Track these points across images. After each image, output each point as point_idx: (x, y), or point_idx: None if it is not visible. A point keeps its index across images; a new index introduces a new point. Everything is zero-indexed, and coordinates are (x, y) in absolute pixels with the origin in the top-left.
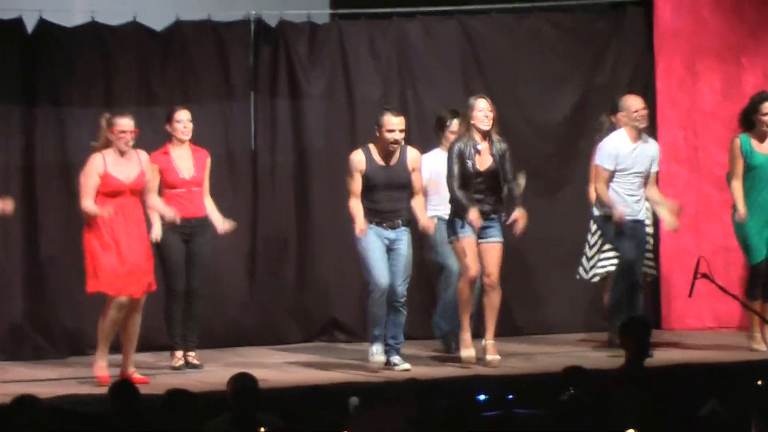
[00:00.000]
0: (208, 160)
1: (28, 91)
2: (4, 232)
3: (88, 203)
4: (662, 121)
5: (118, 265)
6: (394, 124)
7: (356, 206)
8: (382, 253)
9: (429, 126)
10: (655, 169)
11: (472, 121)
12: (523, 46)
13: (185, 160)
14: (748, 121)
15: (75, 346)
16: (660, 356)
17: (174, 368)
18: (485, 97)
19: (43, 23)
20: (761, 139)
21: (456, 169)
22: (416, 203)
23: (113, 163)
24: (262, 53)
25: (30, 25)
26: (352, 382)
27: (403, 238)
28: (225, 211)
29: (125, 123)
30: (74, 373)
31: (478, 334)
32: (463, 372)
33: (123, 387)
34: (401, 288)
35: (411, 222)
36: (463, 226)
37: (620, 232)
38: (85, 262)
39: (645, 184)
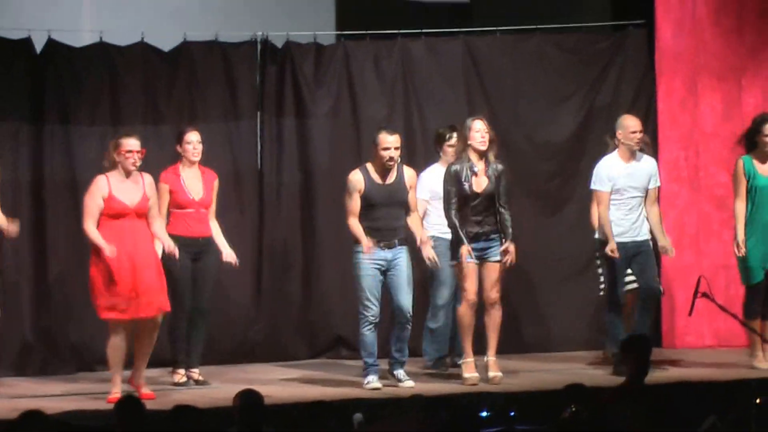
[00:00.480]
0: (216, 182)
1: (36, 109)
2: (14, 248)
3: (90, 226)
4: (663, 140)
5: (126, 289)
6: (389, 142)
7: (356, 225)
8: (375, 283)
9: (433, 144)
10: (653, 185)
11: (468, 141)
12: (526, 67)
13: (194, 180)
14: (750, 143)
15: (82, 361)
16: (660, 374)
17: (176, 384)
18: (482, 118)
19: (51, 43)
20: (763, 161)
21: (452, 192)
22: (412, 220)
23: (118, 186)
24: (269, 73)
25: (38, 45)
26: (356, 398)
27: (400, 256)
28: (231, 229)
29: (132, 143)
30: (81, 389)
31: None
32: (465, 389)
33: (129, 403)
34: (405, 304)
35: (408, 240)
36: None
37: (613, 266)
38: (90, 288)
39: (645, 202)
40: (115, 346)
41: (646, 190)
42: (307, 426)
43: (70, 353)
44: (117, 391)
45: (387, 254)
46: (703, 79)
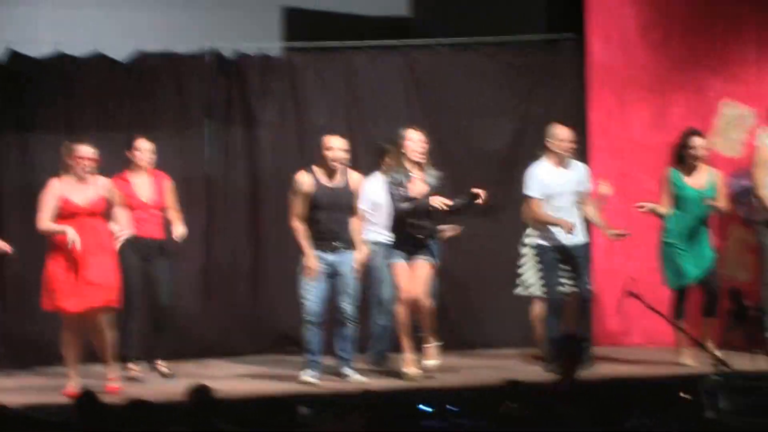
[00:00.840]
0: (168, 183)
1: None
2: None
3: (44, 222)
4: (594, 149)
5: (75, 282)
6: (333, 143)
7: (301, 232)
8: (318, 285)
9: (375, 153)
10: (584, 188)
11: (403, 151)
12: (463, 79)
13: (144, 184)
14: (678, 156)
15: (41, 356)
16: (591, 371)
17: (130, 378)
18: (418, 128)
19: (12, 54)
20: (690, 173)
21: (396, 195)
22: (354, 224)
23: (71, 188)
24: (218, 83)
25: None
26: (301, 393)
27: (345, 260)
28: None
29: (85, 150)
30: (41, 383)
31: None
32: (409, 385)
33: (86, 397)
34: (347, 306)
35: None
36: (396, 253)
37: (552, 265)
38: (42, 282)
39: (577, 206)
40: (67, 341)
41: (579, 194)
42: (255, 419)
43: (28, 349)
44: (72, 384)
45: (332, 257)
46: (631, 91)
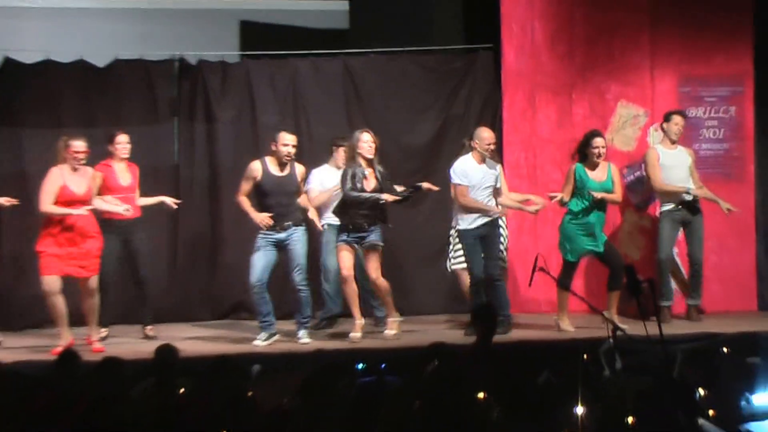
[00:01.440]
0: (138, 172)
1: None
2: None
3: (47, 206)
4: (507, 144)
5: (63, 254)
6: (288, 139)
7: (245, 202)
8: (264, 256)
9: (318, 147)
10: (500, 184)
11: (358, 151)
12: (393, 82)
13: (123, 172)
14: (582, 154)
15: (31, 320)
16: (504, 335)
17: (102, 339)
18: (369, 131)
19: (6, 60)
20: (593, 168)
21: (349, 185)
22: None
23: (69, 178)
24: (184, 86)
25: None
26: (254, 353)
27: (293, 236)
28: (152, 213)
29: (79, 145)
30: (31, 343)
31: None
32: (346, 345)
33: (67, 355)
34: (296, 276)
35: (303, 222)
36: (342, 235)
37: (474, 246)
38: (38, 254)
39: (495, 197)
40: (51, 304)
41: (494, 188)
42: (213, 375)
43: (21, 313)
44: (60, 344)
45: (281, 235)
46: (540, 94)
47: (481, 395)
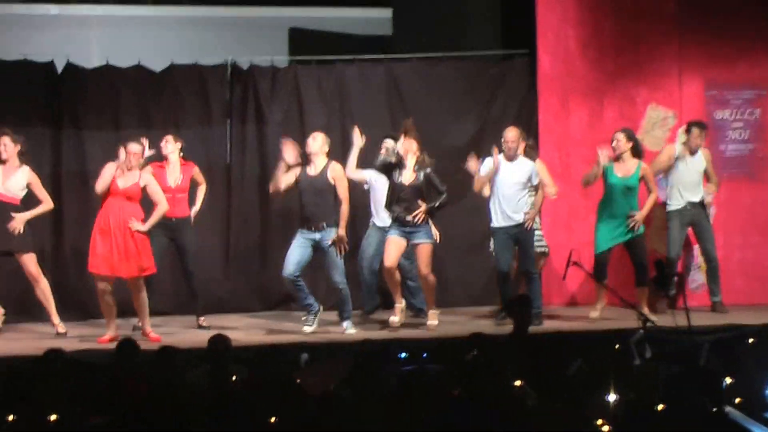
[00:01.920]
0: (195, 169)
1: (56, 117)
2: (39, 223)
3: (100, 186)
4: (542, 145)
5: (110, 250)
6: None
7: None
8: (298, 251)
9: (363, 147)
10: (534, 182)
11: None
12: (434, 86)
13: (174, 172)
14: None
15: (93, 310)
16: (539, 326)
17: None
18: (397, 135)
19: (69, 65)
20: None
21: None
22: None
23: (119, 174)
24: (236, 90)
25: (59, 67)
26: (302, 342)
27: (326, 237)
28: (206, 210)
29: (133, 147)
30: (92, 332)
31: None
32: (389, 335)
33: (126, 344)
34: (335, 276)
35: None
36: (392, 229)
37: (502, 242)
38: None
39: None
40: (100, 297)
41: (528, 184)
42: (263, 363)
43: (81, 305)
44: (109, 334)
45: (316, 235)
46: (573, 98)
47: (517, 383)
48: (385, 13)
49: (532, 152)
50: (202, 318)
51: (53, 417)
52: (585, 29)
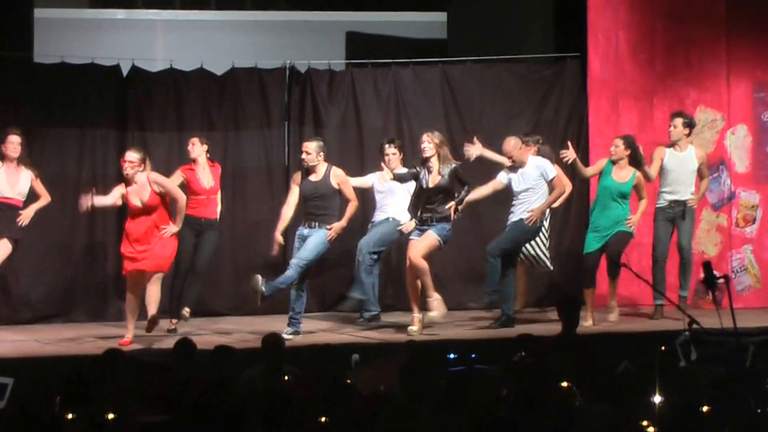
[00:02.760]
0: (219, 173)
1: (121, 119)
2: (103, 222)
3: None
4: (592, 146)
5: (130, 251)
6: (303, 146)
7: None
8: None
9: (418, 149)
10: (549, 177)
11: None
12: (488, 89)
13: (205, 174)
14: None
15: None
16: (586, 327)
17: (169, 331)
18: (428, 131)
19: (134, 69)
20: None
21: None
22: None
23: (130, 192)
24: (294, 92)
25: (125, 70)
26: (354, 343)
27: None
28: (264, 211)
29: (129, 155)
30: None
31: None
32: (440, 336)
33: (184, 343)
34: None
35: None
36: (414, 231)
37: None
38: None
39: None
40: (127, 298)
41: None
42: (316, 363)
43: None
44: (128, 336)
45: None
46: (623, 100)
47: (564, 384)
48: (440, 17)
49: (545, 149)
50: (187, 309)
51: (110, 416)
52: (635, 32)
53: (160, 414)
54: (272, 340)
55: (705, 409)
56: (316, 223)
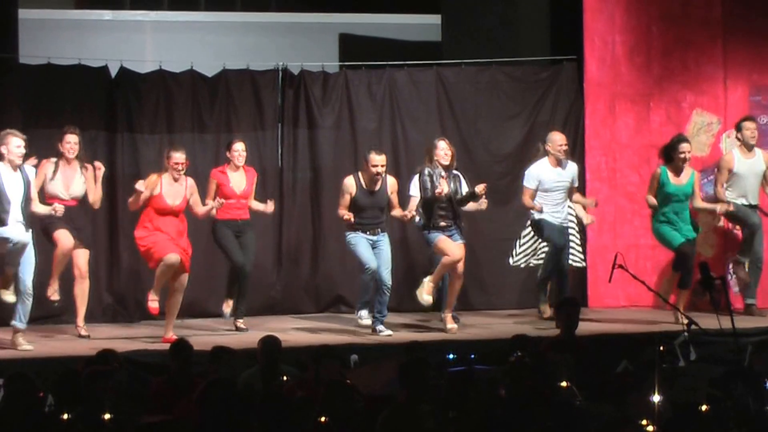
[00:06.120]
0: (256, 178)
1: (110, 120)
2: (93, 224)
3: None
4: (589, 149)
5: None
6: (377, 161)
7: (343, 212)
8: (367, 246)
9: (413, 152)
10: (575, 184)
11: (435, 158)
12: (483, 91)
13: (238, 178)
14: (667, 156)
15: (143, 313)
16: (585, 327)
17: (239, 329)
18: (445, 139)
19: (123, 70)
20: (677, 173)
21: (429, 184)
22: (394, 213)
23: (167, 188)
24: (287, 94)
25: (113, 71)
26: (352, 343)
27: (382, 239)
28: (258, 213)
29: (178, 156)
30: (143, 333)
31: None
32: (436, 336)
33: (180, 344)
34: (386, 275)
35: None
36: (433, 232)
37: (543, 229)
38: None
39: (569, 197)
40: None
41: (571, 187)
42: (314, 364)
43: (134, 306)
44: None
45: (371, 237)
46: (620, 103)
47: (563, 383)
48: (434, 19)
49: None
50: (240, 321)
51: (107, 416)
52: (631, 35)
53: (156, 415)
54: (269, 341)
55: (704, 408)
56: (379, 230)
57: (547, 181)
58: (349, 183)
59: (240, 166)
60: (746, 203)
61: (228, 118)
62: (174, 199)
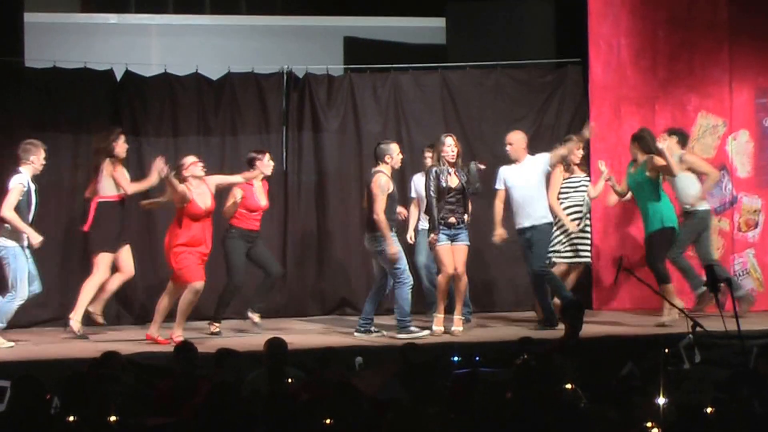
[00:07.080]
0: (267, 188)
1: (114, 123)
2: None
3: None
4: (594, 152)
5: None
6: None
7: (385, 221)
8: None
9: (418, 154)
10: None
11: (442, 154)
12: (488, 94)
13: (260, 190)
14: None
15: (147, 316)
16: (590, 330)
17: (212, 334)
18: (452, 135)
19: (128, 73)
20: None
21: (433, 186)
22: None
23: (195, 193)
24: (292, 97)
25: (118, 75)
26: (357, 346)
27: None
28: (264, 217)
29: (190, 159)
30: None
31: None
32: (442, 338)
33: (185, 346)
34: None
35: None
36: (441, 235)
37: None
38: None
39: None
40: (168, 299)
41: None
42: (319, 366)
43: (138, 309)
44: (179, 334)
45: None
46: (625, 106)
47: (568, 386)
48: (439, 22)
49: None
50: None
51: (113, 418)
52: (637, 38)
53: (162, 417)
54: (275, 343)
55: (709, 410)
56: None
57: (509, 180)
58: (386, 181)
59: (261, 171)
60: None
61: (233, 121)
62: (204, 201)
